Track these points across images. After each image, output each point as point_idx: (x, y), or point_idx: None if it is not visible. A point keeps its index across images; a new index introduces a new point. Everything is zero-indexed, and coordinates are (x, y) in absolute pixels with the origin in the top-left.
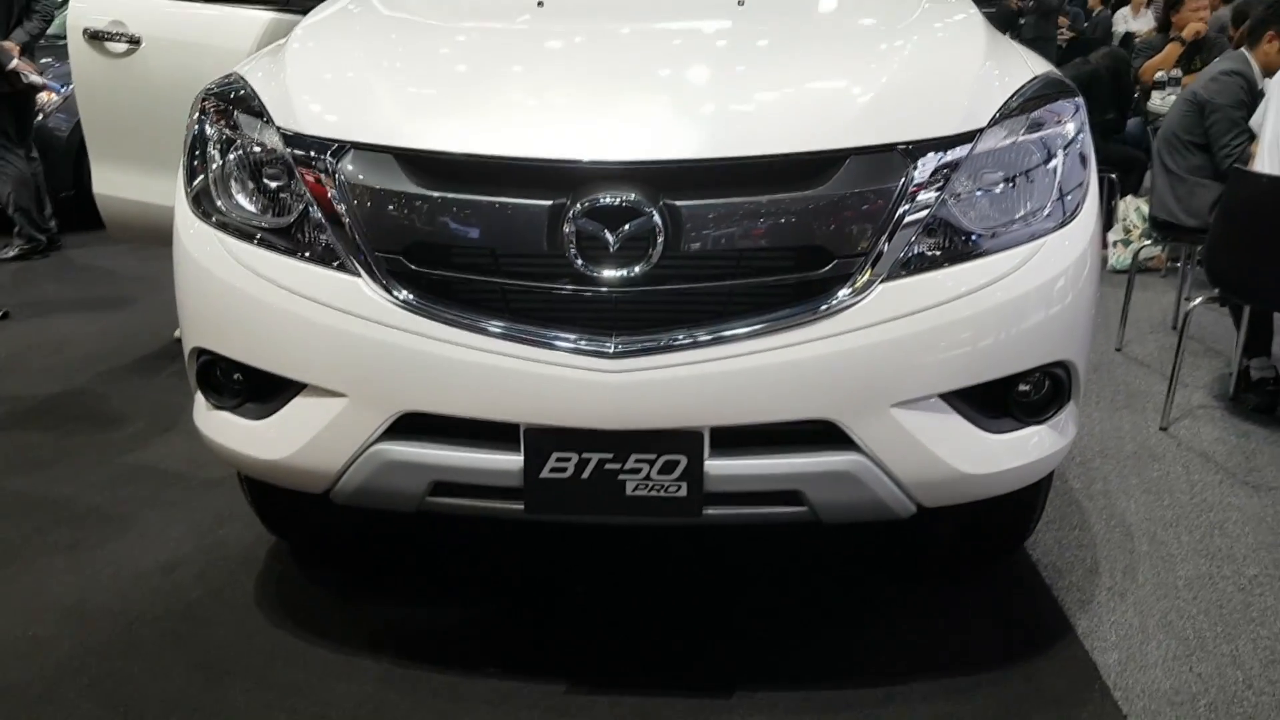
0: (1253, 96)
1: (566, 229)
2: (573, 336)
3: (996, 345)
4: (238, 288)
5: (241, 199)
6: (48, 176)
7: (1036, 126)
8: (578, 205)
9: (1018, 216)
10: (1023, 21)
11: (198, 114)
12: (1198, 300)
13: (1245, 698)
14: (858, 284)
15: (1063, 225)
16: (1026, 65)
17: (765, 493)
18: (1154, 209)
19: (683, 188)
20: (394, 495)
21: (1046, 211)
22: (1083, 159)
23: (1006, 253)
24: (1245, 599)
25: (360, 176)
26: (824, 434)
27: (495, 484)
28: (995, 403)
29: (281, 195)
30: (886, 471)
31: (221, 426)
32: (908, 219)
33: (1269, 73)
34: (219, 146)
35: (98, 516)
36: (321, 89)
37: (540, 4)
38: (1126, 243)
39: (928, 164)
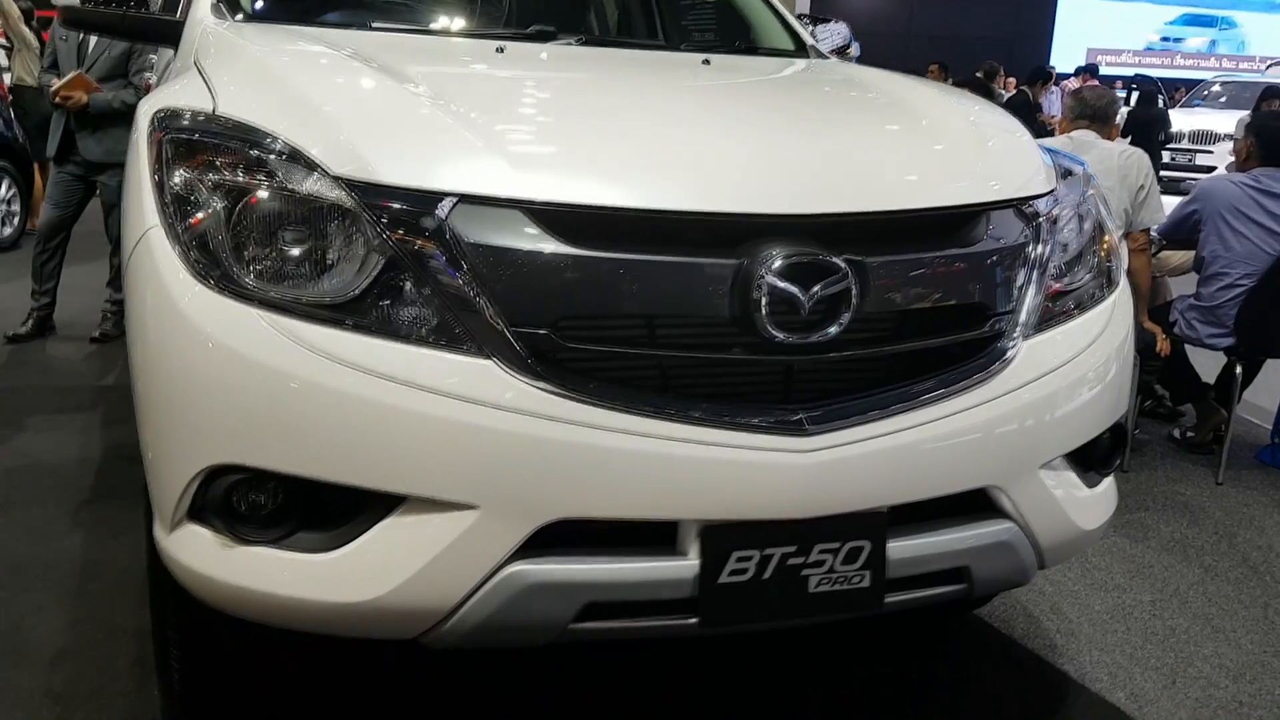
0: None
1: (755, 290)
2: (758, 414)
3: (1107, 396)
4: (309, 379)
5: (282, 266)
6: None
7: (1080, 188)
8: (770, 263)
9: (1092, 270)
10: None
11: (170, 160)
12: None
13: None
14: (1010, 342)
15: (1117, 283)
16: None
17: (935, 573)
18: None
19: (861, 243)
20: (529, 627)
21: (1107, 267)
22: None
23: (1100, 306)
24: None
25: (489, 237)
26: (977, 504)
27: (663, 597)
28: (1086, 457)
29: (345, 260)
30: (1030, 537)
31: (260, 568)
32: (1034, 274)
33: None
34: (226, 200)
35: None
36: (394, 131)
37: (500, 50)
38: None
39: (1038, 220)
